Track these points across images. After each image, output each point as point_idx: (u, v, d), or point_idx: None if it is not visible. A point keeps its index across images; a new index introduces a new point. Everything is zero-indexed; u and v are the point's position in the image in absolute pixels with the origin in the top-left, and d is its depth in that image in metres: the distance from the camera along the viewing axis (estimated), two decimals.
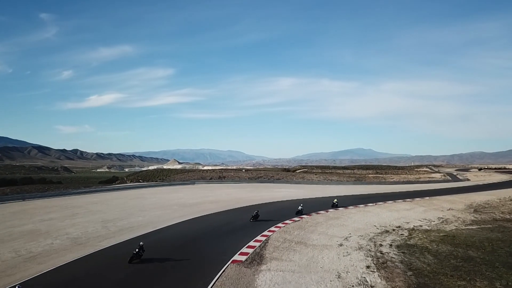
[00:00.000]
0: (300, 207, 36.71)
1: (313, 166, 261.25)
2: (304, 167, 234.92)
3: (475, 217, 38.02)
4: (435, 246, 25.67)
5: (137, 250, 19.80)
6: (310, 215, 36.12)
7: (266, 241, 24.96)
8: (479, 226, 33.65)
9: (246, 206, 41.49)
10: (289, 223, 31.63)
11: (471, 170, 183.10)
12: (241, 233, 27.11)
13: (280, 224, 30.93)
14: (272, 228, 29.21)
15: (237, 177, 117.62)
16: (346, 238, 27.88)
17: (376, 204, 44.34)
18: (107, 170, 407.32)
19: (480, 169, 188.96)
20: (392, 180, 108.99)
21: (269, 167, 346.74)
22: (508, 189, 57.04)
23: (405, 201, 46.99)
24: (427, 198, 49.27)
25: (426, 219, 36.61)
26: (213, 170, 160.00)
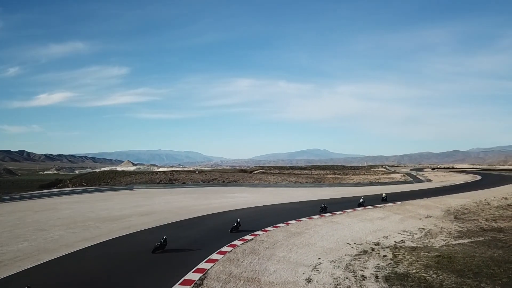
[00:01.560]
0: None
1: (270, 166, 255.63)
2: (262, 167, 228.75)
3: (459, 227, 32.12)
4: (434, 275, 18.64)
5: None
6: (267, 230, 28.15)
7: (200, 283, 16.49)
8: (470, 240, 27.50)
9: (186, 220, 32.61)
10: (238, 245, 23.33)
11: (425, 170, 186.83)
12: (164, 268, 18.38)
13: (226, 248, 22.55)
14: (214, 256, 20.77)
15: (189, 180, 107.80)
16: (315, 266, 20.11)
17: (344, 212, 37.36)
18: (55, 172, 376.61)
19: (433, 169, 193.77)
20: (352, 181, 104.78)
21: (227, 168, 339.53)
22: (479, 191, 53.15)
23: (376, 207, 40.58)
24: (399, 203, 43.33)
25: (406, 231, 30.02)
26: (164, 172, 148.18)
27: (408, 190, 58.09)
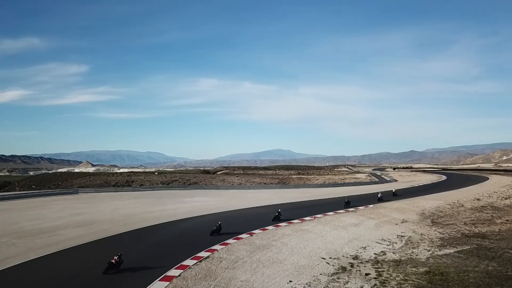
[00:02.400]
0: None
1: (235, 167, 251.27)
2: (227, 168, 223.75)
3: (440, 233, 29.27)
4: None
5: None
6: (227, 243, 23.58)
7: None
8: (456, 249, 24.49)
9: (130, 232, 27.27)
10: (190, 267, 18.61)
11: (386, 169, 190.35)
12: None
13: (173, 271, 17.77)
14: (156, 284, 15.97)
15: (148, 182, 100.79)
16: None
17: (313, 217, 33.54)
18: (7, 174, 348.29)
19: (394, 169, 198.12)
20: (317, 181, 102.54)
21: (190, 168, 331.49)
22: (449, 192, 51.70)
23: (348, 211, 37.19)
24: (371, 206, 40.31)
25: (385, 240, 26.63)
26: (121, 173, 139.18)
27: (377, 191, 55.66)
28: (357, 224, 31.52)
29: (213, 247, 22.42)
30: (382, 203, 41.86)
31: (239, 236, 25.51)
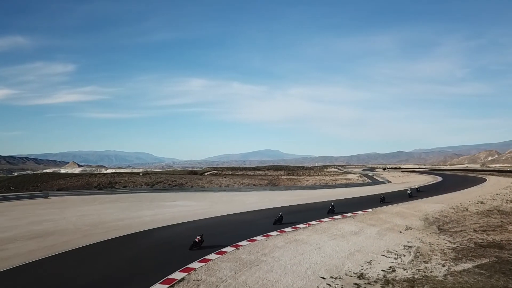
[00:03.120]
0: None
1: (224, 167, 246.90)
2: (215, 168, 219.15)
3: (450, 242, 25.90)
4: None
5: None
6: (208, 259, 19.68)
7: None
8: (475, 264, 21.06)
9: (94, 245, 23.09)
10: None
11: (376, 170, 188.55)
12: None
13: None
14: None
15: (132, 183, 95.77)
16: None
17: (308, 224, 29.86)
18: None
19: (384, 169, 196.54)
20: (308, 182, 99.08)
21: (179, 169, 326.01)
22: (449, 194, 48.64)
23: (345, 216, 33.61)
24: (370, 210, 36.85)
25: (391, 252, 23.05)
26: (104, 174, 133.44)
27: (372, 194, 52.40)
28: (357, 232, 27.94)
29: (191, 265, 18.52)
30: (381, 207, 38.47)
31: (223, 249, 21.62)
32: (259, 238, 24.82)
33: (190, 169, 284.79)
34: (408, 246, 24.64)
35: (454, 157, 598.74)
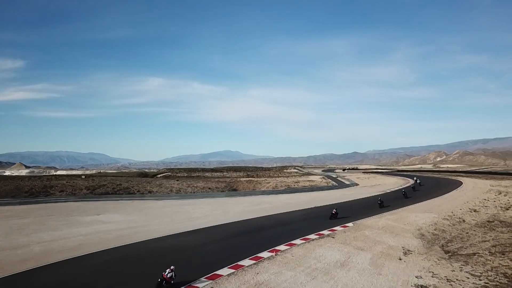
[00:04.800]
0: None
1: (180, 169, 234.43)
2: (171, 170, 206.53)
3: (473, 275, 18.48)
4: None
5: None
6: None
7: None
8: None
9: None
10: None
11: (336, 170, 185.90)
12: None
13: None
14: None
15: (70, 186, 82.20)
16: None
17: (274, 252, 21.19)
18: None
19: (344, 170, 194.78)
20: (269, 185, 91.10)
21: (134, 170, 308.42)
22: (433, 200, 42.28)
23: (321, 235, 25.37)
24: (351, 224, 29.01)
25: None
26: (40, 177, 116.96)
27: (346, 200, 45.06)
28: (343, 262, 19.72)
29: None
30: (363, 220, 30.78)
31: None
32: (200, 286, 15.72)
33: (146, 170, 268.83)
34: (421, 286, 16.81)
35: (406, 158, 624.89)
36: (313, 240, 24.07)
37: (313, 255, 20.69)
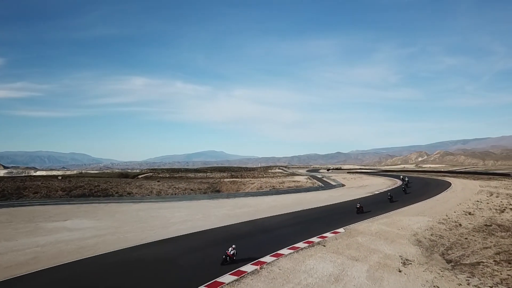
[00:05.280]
0: None
1: (163, 169, 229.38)
2: (154, 170, 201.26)
3: None
4: None
5: None
6: None
7: None
8: None
9: None
10: None
11: (320, 170, 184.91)
12: None
13: None
14: None
15: (45, 187, 77.66)
16: None
17: (258, 264, 18.63)
18: None
19: (328, 170, 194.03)
20: (253, 186, 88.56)
21: (117, 170, 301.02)
22: (424, 203, 40.30)
23: (310, 243, 22.91)
24: (341, 230, 26.65)
25: None
26: (13, 178, 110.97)
27: (334, 202, 42.84)
28: (338, 276, 17.29)
29: None
30: (354, 225, 28.51)
31: None
32: None
33: (129, 170, 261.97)
34: None
35: (388, 158, 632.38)
36: (302, 249, 21.57)
37: (303, 268, 18.21)
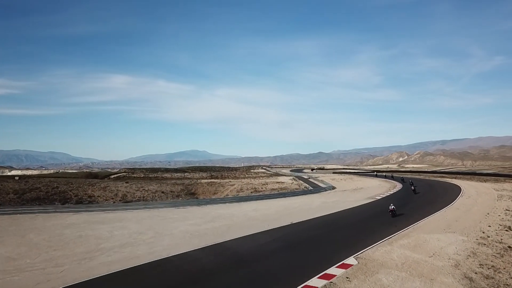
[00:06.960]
0: None
1: (143, 168, 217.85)
2: (131, 169, 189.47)
3: None
4: None
5: None
6: None
7: None
8: None
9: None
10: None
11: (304, 170, 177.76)
12: None
13: None
14: None
15: None
16: None
17: None
18: None
19: (312, 169, 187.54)
20: (233, 188, 79.48)
21: (96, 170, 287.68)
22: (442, 213, 32.00)
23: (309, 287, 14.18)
24: (351, 259, 18.01)
25: None
26: None
27: (330, 212, 34.16)
28: None
29: None
30: (366, 251, 19.94)
31: None
32: None
33: (110, 170, 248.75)
34: None
35: (369, 158, 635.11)
36: None
37: None
